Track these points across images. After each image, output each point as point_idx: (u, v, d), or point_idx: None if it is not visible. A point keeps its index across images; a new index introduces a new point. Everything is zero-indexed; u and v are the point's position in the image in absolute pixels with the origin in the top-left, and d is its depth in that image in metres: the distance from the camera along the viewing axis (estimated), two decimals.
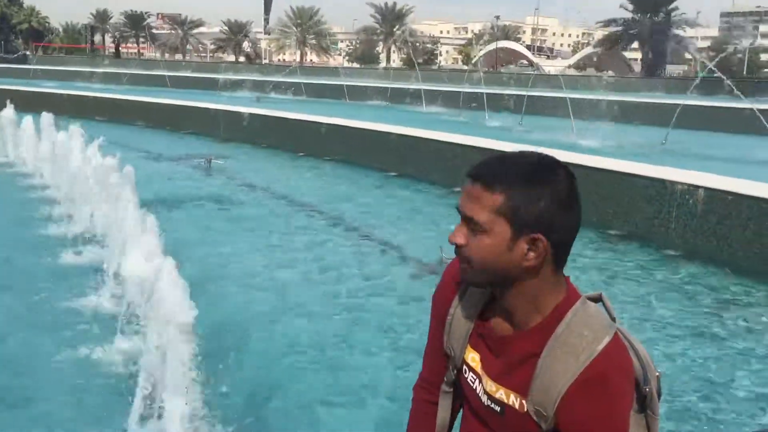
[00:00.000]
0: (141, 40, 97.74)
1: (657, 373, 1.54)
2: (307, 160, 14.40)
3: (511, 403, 1.49)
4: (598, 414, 1.40)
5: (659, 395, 1.56)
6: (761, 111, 17.28)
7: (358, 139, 14.07)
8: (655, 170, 8.81)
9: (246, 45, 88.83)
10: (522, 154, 1.47)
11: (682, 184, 8.11)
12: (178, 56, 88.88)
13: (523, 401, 1.47)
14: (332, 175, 13.07)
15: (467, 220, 1.44)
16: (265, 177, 12.53)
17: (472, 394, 1.60)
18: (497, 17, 77.07)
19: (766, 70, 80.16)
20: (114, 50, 73.91)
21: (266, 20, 54.94)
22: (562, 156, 8.84)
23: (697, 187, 7.94)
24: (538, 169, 1.43)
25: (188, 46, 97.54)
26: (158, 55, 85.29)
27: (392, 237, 8.33)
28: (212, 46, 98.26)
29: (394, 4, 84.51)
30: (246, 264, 7.06)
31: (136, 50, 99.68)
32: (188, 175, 12.52)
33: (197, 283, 4.51)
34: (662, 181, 8.35)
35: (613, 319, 1.48)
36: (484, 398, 1.55)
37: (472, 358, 1.59)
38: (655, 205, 8.36)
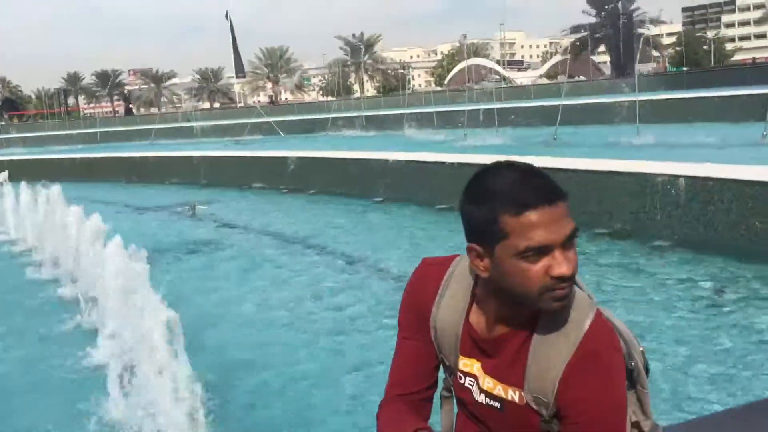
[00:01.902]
0: (115, 98, 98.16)
1: (641, 348, 1.55)
2: (288, 196, 14.42)
3: (509, 397, 1.49)
4: (597, 389, 1.40)
5: (647, 371, 1.57)
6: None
7: (339, 169, 14.15)
8: (635, 165, 8.90)
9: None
10: (531, 167, 1.42)
11: (662, 175, 8.20)
12: (154, 109, 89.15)
13: (522, 393, 1.46)
14: (318, 206, 13.10)
15: (572, 236, 1.36)
16: (251, 217, 12.53)
17: (468, 397, 1.58)
18: (464, 35, 77.84)
19: (733, 58, 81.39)
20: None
21: (238, 64, 55.34)
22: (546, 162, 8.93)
23: (678, 176, 8.03)
24: None
25: (162, 99, 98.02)
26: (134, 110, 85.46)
27: (387, 262, 8.33)
28: (186, 96, 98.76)
29: (362, 34, 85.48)
30: (244, 306, 7.02)
31: (110, 108, 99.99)
32: (173, 222, 12.50)
33: (198, 330, 4.49)
34: (643, 175, 8.43)
35: (590, 298, 1.49)
36: (482, 397, 1.54)
37: (465, 363, 1.57)
38: (639, 200, 8.43)
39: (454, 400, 1.67)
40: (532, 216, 1.32)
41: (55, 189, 9.74)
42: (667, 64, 75.43)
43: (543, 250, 1.34)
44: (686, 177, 7.97)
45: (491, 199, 1.36)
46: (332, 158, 14.73)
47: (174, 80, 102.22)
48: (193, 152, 19.31)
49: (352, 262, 8.48)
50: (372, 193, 12.87)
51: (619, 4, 67.03)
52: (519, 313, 1.46)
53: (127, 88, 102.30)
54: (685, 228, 7.93)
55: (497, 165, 1.42)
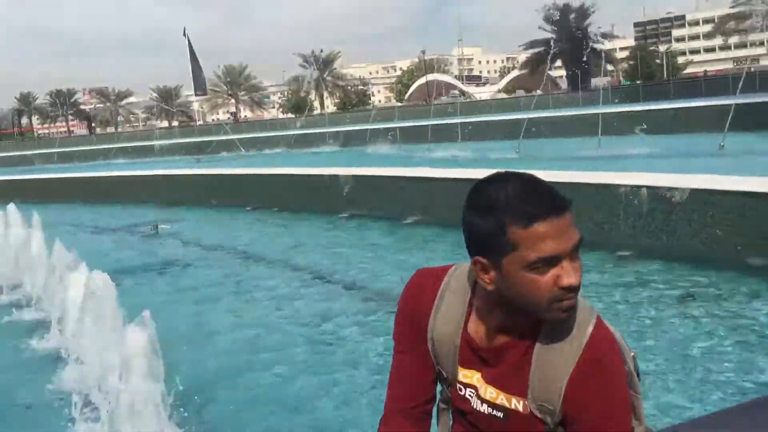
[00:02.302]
0: (70, 117, 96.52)
1: (632, 353, 1.56)
2: (254, 214, 14.31)
3: (513, 406, 1.48)
4: (603, 394, 1.41)
5: (638, 375, 1.58)
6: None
7: (304, 186, 14.09)
8: (598, 176, 9.03)
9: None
10: (535, 177, 1.42)
11: (624, 186, 8.34)
12: (110, 129, 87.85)
13: (526, 402, 1.46)
14: (282, 224, 13.01)
15: (578, 246, 1.37)
16: (215, 235, 12.39)
17: (468, 407, 1.57)
18: (423, 52, 78.55)
19: (684, 71, 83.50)
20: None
21: (197, 81, 54.86)
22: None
23: (640, 187, 8.17)
24: None
25: (119, 118, 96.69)
26: (86, 131, 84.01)
27: (353, 276, 8.31)
28: (143, 115, 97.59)
29: (321, 51, 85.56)
30: (214, 323, 6.92)
31: (65, 128, 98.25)
32: (136, 242, 12.29)
33: (169, 349, 4.40)
34: (606, 186, 8.56)
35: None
36: (484, 407, 1.53)
37: (465, 375, 1.56)
38: (602, 211, 8.55)
39: (450, 412, 1.66)
40: (541, 227, 1.32)
41: (11, 209, 9.49)
42: (621, 78, 77.07)
43: (552, 261, 1.34)
44: (648, 187, 8.12)
45: (498, 210, 1.35)
46: (297, 174, 14.67)
47: (131, 99, 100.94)
48: (153, 171, 19.04)
49: (319, 277, 8.43)
50: (338, 208, 12.85)
51: (573, 20, 68.38)
52: (521, 322, 1.45)
53: (83, 107, 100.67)
54: (649, 238, 8.07)
55: (500, 176, 1.41)
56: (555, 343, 1.43)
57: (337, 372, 5.29)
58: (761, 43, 72.08)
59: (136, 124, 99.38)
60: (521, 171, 1.43)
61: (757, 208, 7.03)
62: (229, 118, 78.89)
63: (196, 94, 62.55)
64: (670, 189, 7.88)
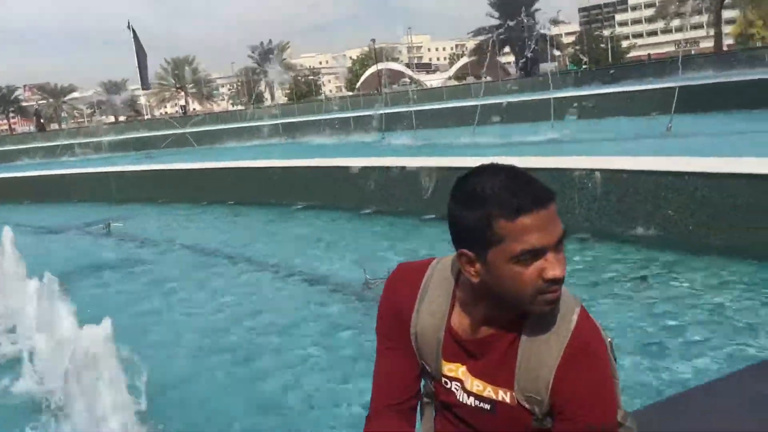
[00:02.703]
0: (11, 115, 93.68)
1: (609, 339, 1.57)
2: (208, 208, 14.11)
3: (500, 398, 1.48)
4: (590, 383, 1.41)
5: (615, 360, 1.59)
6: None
7: (259, 178, 13.93)
8: (551, 161, 9.13)
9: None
10: (520, 170, 1.41)
11: (578, 170, 8.45)
12: (54, 125, 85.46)
13: (513, 393, 1.46)
14: (239, 217, 12.87)
15: (562, 239, 1.37)
16: (168, 232, 12.17)
17: (453, 400, 1.57)
18: (373, 40, 78.33)
19: (628, 55, 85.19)
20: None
21: (143, 75, 53.64)
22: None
23: (593, 170, 8.30)
24: None
25: (63, 114, 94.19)
26: (31, 127, 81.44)
27: (312, 268, 8.26)
28: (89, 110, 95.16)
29: (270, 41, 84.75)
30: (172, 319, 6.81)
31: (6, 126, 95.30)
32: (89, 242, 12.00)
33: (127, 347, 4.30)
34: (560, 170, 8.66)
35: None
36: (471, 400, 1.53)
37: (449, 369, 1.55)
38: (557, 194, 8.65)
39: (433, 407, 1.66)
40: (527, 220, 1.32)
41: None
42: (567, 63, 78.23)
43: (537, 254, 1.34)
44: (602, 170, 8.25)
45: (484, 203, 1.34)
46: (251, 167, 14.49)
47: (74, 94, 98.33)
48: (103, 168, 18.59)
49: (275, 271, 8.36)
50: (293, 201, 12.77)
51: (521, 6, 69.05)
52: (506, 314, 1.45)
53: (24, 104, 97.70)
54: (604, 220, 8.21)
55: (485, 167, 1.40)
56: (541, 334, 1.43)
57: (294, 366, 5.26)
58: (701, 26, 73.90)
59: (81, 120, 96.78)
60: (506, 163, 1.41)
61: (708, 187, 7.21)
62: (177, 112, 77.48)
63: (142, 88, 61.32)
64: (621, 171, 8.03)
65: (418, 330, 1.55)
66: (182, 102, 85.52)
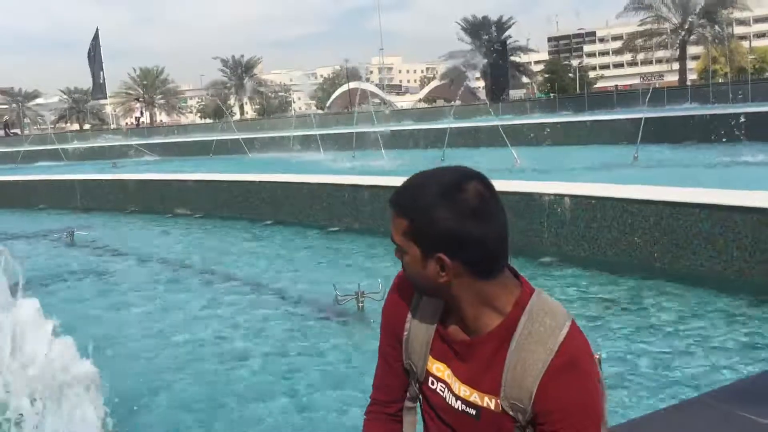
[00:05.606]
0: None
1: (596, 355, 1.61)
2: (175, 220, 13.96)
3: (485, 404, 1.51)
4: (575, 396, 1.44)
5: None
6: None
7: (225, 192, 13.85)
8: (522, 185, 9.26)
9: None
10: (435, 174, 1.49)
11: (548, 195, 8.58)
12: (16, 131, 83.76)
13: (498, 400, 1.48)
14: (205, 230, 12.75)
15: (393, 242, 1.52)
16: (133, 242, 12.01)
17: (440, 403, 1.59)
18: (347, 60, 78.83)
19: (596, 86, 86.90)
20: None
21: (98, 84, 52.53)
22: None
23: (563, 195, 8.43)
24: (445, 190, 1.43)
25: (26, 120, 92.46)
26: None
27: (279, 282, 8.21)
28: (53, 117, 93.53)
29: (242, 56, 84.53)
30: (134, 332, 6.69)
31: None
32: (51, 250, 11.77)
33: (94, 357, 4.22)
34: (530, 195, 8.78)
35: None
36: (457, 404, 1.55)
37: (437, 368, 1.59)
38: (526, 218, 8.77)
39: (419, 410, 1.69)
40: None
41: None
42: (536, 91, 79.52)
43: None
44: (571, 196, 8.39)
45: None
46: (219, 181, 14.39)
47: (38, 100, 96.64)
48: (67, 176, 18.28)
49: (245, 284, 8.30)
50: (261, 216, 12.71)
51: (492, 33, 70.06)
52: (492, 320, 1.49)
53: None
54: (571, 245, 8.33)
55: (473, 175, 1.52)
56: (528, 342, 1.46)
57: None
58: (667, 60, 75.81)
59: (45, 126, 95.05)
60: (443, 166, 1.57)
61: (673, 216, 7.37)
62: (130, 123, 76.53)
63: (94, 98, 60.06)
64: (590, 198, 8.17)
65: (412, 331, 1.62)
66: (137, 114, 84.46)
